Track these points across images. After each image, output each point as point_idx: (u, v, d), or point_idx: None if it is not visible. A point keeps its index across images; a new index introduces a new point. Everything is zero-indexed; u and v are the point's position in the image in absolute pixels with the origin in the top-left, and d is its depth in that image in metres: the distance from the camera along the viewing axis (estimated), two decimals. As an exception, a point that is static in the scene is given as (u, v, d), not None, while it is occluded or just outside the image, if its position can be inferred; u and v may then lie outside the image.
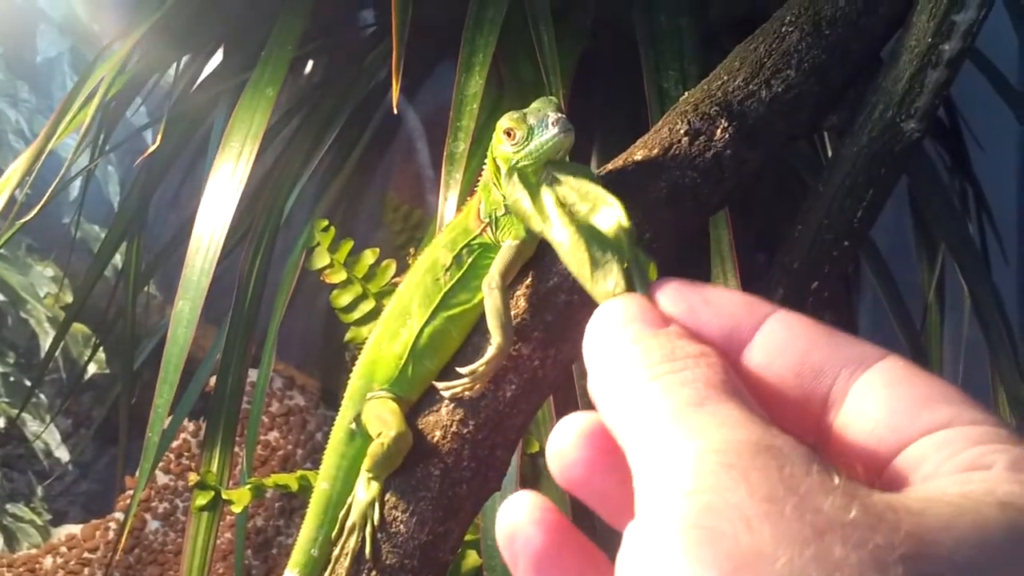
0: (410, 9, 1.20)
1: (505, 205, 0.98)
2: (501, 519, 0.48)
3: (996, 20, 1.17)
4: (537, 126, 0.93)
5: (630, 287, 0.50)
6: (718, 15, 1.63)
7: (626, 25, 1.39)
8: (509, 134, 0.95)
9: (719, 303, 0.47)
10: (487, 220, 1.00)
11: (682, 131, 0.99)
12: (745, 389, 0.42)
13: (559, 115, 0.93)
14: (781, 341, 0.45)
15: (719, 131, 0.99)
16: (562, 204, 0.59)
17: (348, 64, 1.81)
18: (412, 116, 2.02)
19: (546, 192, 0.59)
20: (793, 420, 0.43)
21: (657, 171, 0.98)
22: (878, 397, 0.42)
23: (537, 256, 0.98)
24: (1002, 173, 2.03)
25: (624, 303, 0.47)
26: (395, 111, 1.21)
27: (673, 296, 0.47)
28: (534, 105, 0.97)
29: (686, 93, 1.06)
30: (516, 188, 0.82)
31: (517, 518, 0.48)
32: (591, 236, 0.54)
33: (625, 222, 0.55)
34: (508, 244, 0.97)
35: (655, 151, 0.99)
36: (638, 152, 1.00)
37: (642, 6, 1.38)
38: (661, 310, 0.47)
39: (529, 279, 0.98)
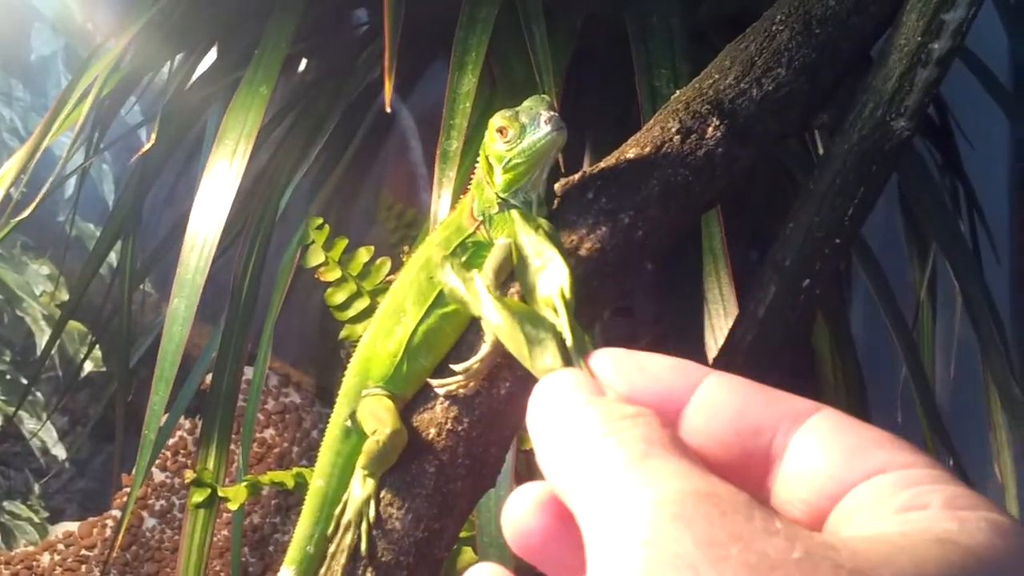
0: (403, 8, 1.21)
1: (499, 202, 0.98)
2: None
3: (986, 19, 1.18)
4: (530, 124, 0.94)
5: (567, 361, 0.52)
6: (709, 14, 1.64)
7: (618, 24, 1.39)
8: (502, 132, 0.95)
9: (653, 370, 0.48)
10: (481, 218, 1.00)
11: (674, 129, 1.00)
12: (684, 443, 0.43)
13: (552, 113, 0.94)
14: (717, 402, 0.46)
15: (711, 129, 1.00)
16: (492, 292, 0.60)
17: (341, 63, 1.81)
18: (405, 114, 2.02)
19: (477, 277, 0.61)
20: (736, 478, 0.43)
21: (649, 169, 0.98)
22: (816, 448, 0.44)
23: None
24: (993, 171, 2.04)
25: (563, 377, 0.49)
26: (388, 109, 1.22)
27: (609, 366, 0.49)
28: (527, 103, 0.97)
29: (678, 91, 1.06)
30: (449, 277, 0.84)
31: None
32: (524, 316, 0.55)
33: (568, 292, 0.56)
34: (501, 242, 0.98)
35: (647, 149, 0.99)
36: (630, 150, 1.00)
37: (634, 5, 1.39)
38: (598, 380, 0.48)
39: (524, 278, 0.98)
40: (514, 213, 0.88)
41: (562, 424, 0.46)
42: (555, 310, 0.55)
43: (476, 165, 1.01)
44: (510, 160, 0.95)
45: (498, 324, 0.56)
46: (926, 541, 0.38)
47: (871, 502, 0.41)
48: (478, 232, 1.01)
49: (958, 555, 0.37)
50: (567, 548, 0.47)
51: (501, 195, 0.98)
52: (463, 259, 1.01)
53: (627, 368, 0.48)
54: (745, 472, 0.45)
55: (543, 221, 0.95)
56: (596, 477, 0.42)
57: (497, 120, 0.96)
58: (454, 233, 1.02)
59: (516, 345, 0.54)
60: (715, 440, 0.46)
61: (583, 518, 0.42)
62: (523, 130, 0.94)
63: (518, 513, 0.49)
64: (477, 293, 0.60)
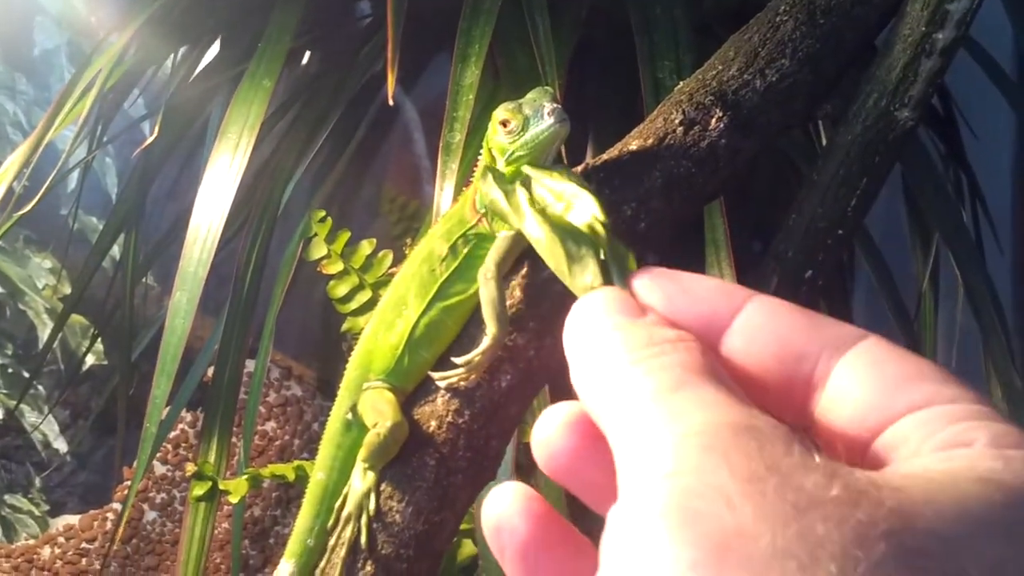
0: (405, 0, 1.21)
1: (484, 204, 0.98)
2: (487, 510, 0.48)
3: (990, 8, 1.17)
4: (533, 116, 0.94)
5: (608, 280, 0.51)
6: (712, 5, 1.63)
7: (621, 15, 1.39)
8: (505, 124, 0.95)
9: (697, 290, 0.47)
10: (483, 210, 1.00)
11: (677, 121, 0.99)
12: (725, 372, 0.42)
13: (555, 105, 0.94)
14: (760, 326, 0.45)
15: (714, 121, 1.00)
16: (535, 203, 0.59)
17: (344, 55, 1.80)
18: (408, 107, 2.02)
19: (520, 190, 0.60)
20: (776, 404, 0.43)
21: (652, 161, 0.98)
22: (859, 378, 0.42)
23: (531, 249, 0.98)
24: (996, 161, 2.03)
25: (602, 296, 0.48)
26: (391, 102, 1.22)
27: (650, 286, 0.48)
28: (530, 95, 0.97)
29: (681, 83, 1.06)
30: (491, 188, 0.82)
31: (502, 509, 0.48)
32: (566, 232, 0.55)
33: (600, 215, 0.55)
34: (504, 234, 0.97)
35: (650, 141, 0.99)
36: (633, 142, 1.00)
37: (637, -4, 1.38)
38: (639, 300, 0.47)
39: (525, 269, 0.98)
40: (526, 168, 0.87)
41: (595, 346, 0.45)
42: (595, 235, 0.55)
43: (479, 157, 1.01)
44: (513, 152, 0.95)
45: (538, 238, 0.56)
46: (968, 479, 0.37)
47: (914, 437, 0.40)
48: (480, 224, 1.00)
49: (1001, 494, 0.36)
50: (598, 470, 0.46)
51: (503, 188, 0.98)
52: (465, 251, 1.01)
53: (669, 288, 0.47)
54: (786, 399, 0.44)
55: (553, 165, 0.95)
56: (625, 405, 0.41)
57: (500, 112, 0.96)
58: (456, 225, 1.02)
59: (556, 261, 0.54)
60: (757, 365, 0.45)
61: (614, 444, 0.41)
62: (526, 122, 0.94)
63: (548, 433, 0.48)
64: (519, 205, 0.60)
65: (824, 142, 1.51)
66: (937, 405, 0.41)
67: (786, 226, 1.10)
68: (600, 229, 0.54)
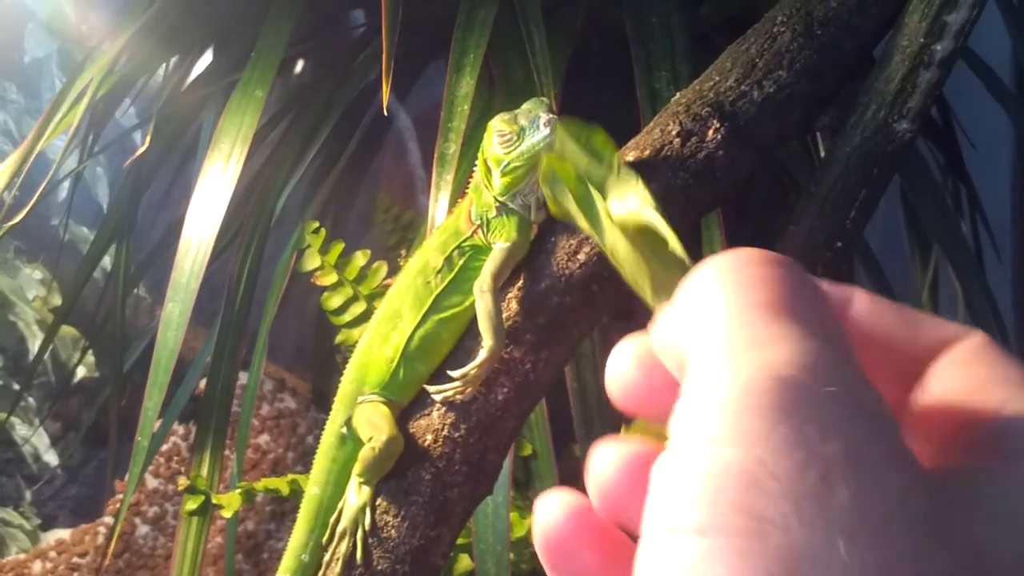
0: (400, 9, 1.20)
1: (497, 206, 0.97)
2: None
3: (989, 20, 1.17)
4: (528, 127, 0.93)
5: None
6: (709, 15, 1.63)
7: (617, 24, 1.38)
8: (500, 135, 0.94)
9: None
10: (478, 222, 0.99)
11: (674, 132, 0.99)
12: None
13: (550, 116, 0.93)
14: (870, 316, 0.42)
15: (711, 132, 0.99)
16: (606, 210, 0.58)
17: (338, 64, 1.80)
18: (403, 117, 2.02)
19: (592, 195, 0.58)
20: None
21: (649, 172, 0.97)
22: (955, 377, 0.40)
23: (529, 258, 0.98)
24: (995, 173, 2.03)
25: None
26: (385, 112, 1.21)
27: None
28: (525, 106, 0.96)
29: (678, 94, 1.05)
30: (558, 188, 0.80)
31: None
32: (646, 245, 0.52)
33: (669, 234, 0.53)
34: (499, 246, 0.97)
35: (647, 152, 0.98)
36: (630, 153, 0.99)
37: (633, 6, 1.38)
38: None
39: (521, 281, 0.97)
40: (561, 132, 0.83)
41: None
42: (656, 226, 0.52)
43: (474, 168, 1.01)
44: (508, 163, 0.95)
45: (614, 251, 0.53)
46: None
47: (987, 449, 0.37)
48: (476, 236, 1.00)
49: None
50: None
51: (499, 198, 0.97)
52: (460, 263, 1.00)
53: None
54: (889, 391, 0.39)
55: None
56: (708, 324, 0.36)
57: (496, 123, 0.95)
58: (451, 237, 1.01)
59: (637, 278, 0.51)
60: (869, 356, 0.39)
61: (690, 365, 0.35)
62: (522, 133, 0.94)
63: (622, 368, 0.43)
64: (596, 216, 0.57)
65: (822, 154, 1.51)
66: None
67: (784, 238, 1.09)
68: (679, 250, 0.52)
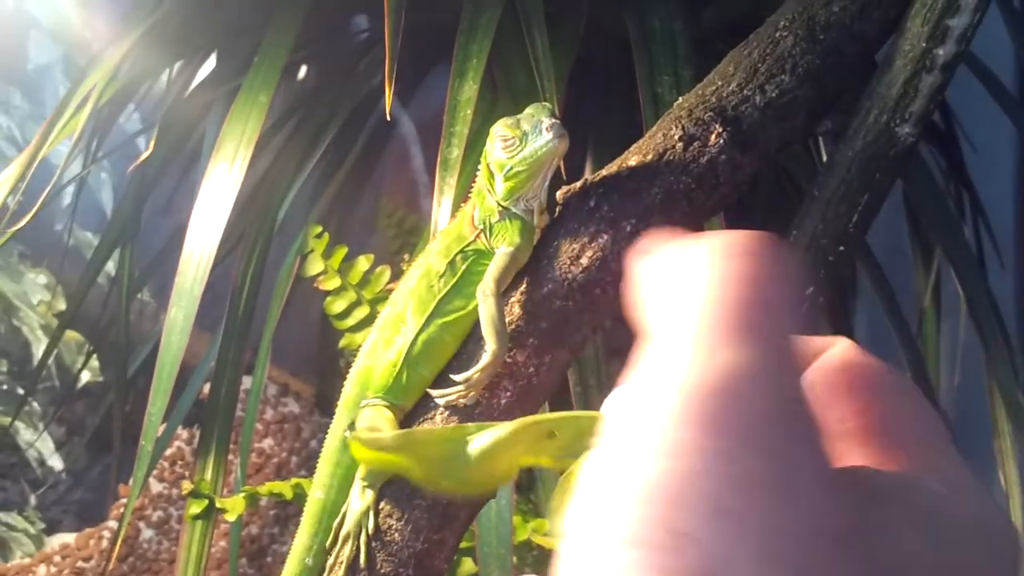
0: (403, 14, 1.20)
1: (500, 210, 0.98)
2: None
3: (991, 24, 1.17)
4: (531, 132, 0.94)
5: None
6: (712, 19, 1.63)
7: (620, 29, 1.39)
8: (503, 140, 0.95)
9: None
10: (481, 226, 1.00)
11: (676, 136, 0.99)
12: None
13: (553, 120, 0.93)
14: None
15: (713, 136, 0.99)
16: None
17: (341, 69, 1.80)
18: (406, 122, 2.02)
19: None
20: None
21: (651, 176, 0.97)
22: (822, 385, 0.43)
23: (532, 263, 0.98)
24: (998, 177, 2.03)
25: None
26: (388, 117, 1.21)
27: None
28: (528, 111, 0.97)
29: (680, 98, 1.05)
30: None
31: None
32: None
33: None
34: (502, 251, 0.97)
35: (649, 156, 0.98)
36: (632, 157, 0.99)
37: (636, 11, 1.38)
38: None
39: (524, 286, 0.97)
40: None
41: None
42: None
43: (477, 173, 1.01)
44: (511, 168, 0.95)
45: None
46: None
47: None
48: (479, 240, 1.00)
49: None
50: None
51: (502, 203, 0.98)
52: (463, 268, 1.00)
53: None
54: None
55: None
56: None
57: (498, 127, 0.95)
58: (454, 241, 1.02)
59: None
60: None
61: (650, 344, 0.37)
62: (524, 137, 0.94)
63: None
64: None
65: (824, 158, 1.51)
66: None
67: (787, 243, 1.09)
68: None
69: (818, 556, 0.31)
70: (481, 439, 0.51)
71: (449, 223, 1.07)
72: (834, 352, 0.43)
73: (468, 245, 1.00)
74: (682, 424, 0.33)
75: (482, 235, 1.00)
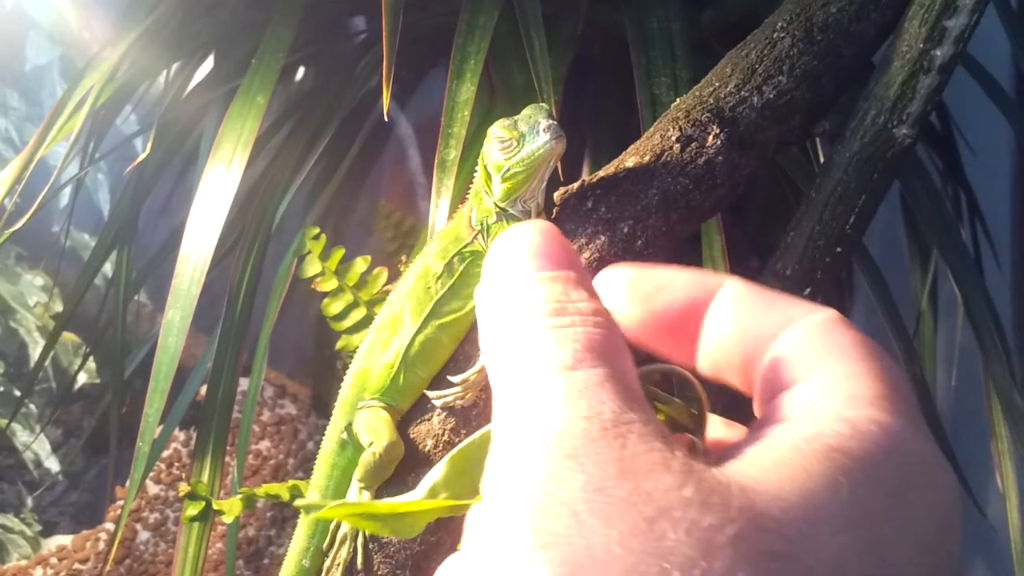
0: (401, 16, 1.20)
1: (497, 212, 0.98)
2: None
3: (988, 25, 1.17)
4: (529, 133, 0.94)
5: None
6: (709, 21, 1.63)
7: (618, 31, 1.39)
8: (500, 141, 0.95)
9: (673, 286, 0.50)
10: (478, 228, 0.99)
11: (674, 137, 0.99)
12: (626, 354, 0.43)
13: (551, 122, 0.93)
14: (725, 311, 0.48)
15: (711, 137, 0.99)
16: None
17: (339, 71, 1.80)
18: (403, 123, 2.02)
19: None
20: (745, 389, 0.46)
21: (649, 178, 0.97)
22: (787, 344, 0.46)
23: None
24: (995, 178, 2.03)
25: (536, 230, 0.48)
26: (386, 118, 1.21)
27: (624, 288, 0.50)
28: (525, 112, 0.97)
29: (678, 99, 1.05)
30: None
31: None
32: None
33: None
34: None
35: (647, 158, 0.98)
36: (630, 159, 0.99)
37: (634, 12, 1.38)
38: (568, 245, 0.48)
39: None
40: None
41: (511, 292, 0.45)
42: None
43: (475, 174, 1.01)
44: (509, 169, 0.95)
45: None
46: (817, 456, 0.38)
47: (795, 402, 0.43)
48: (475, 242, 1.00)
49: (844, 473, 0.38)
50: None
51: (500, 204, 0.98)
52: (460, 269, 1.00)
53: (645, 288, 0.49)
54: (750, 381, 0.47)
55: None
56: (518, 369, 0.42)
57: (496, 129, 0.95)
58: (452, 243, 1.01)
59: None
60: (723, 350, 0.47)
61: (499, 401, 0.42)
62: (522, 139, 0.94)
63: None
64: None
65: (822, 159, 1.51)
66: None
67: (784, 244, 1.09)
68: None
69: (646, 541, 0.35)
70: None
71: (446, 224, 1.07)
72: (818, 316, 0.46)
73: (465, 247, 1.00)
74: (548, 460, 0.38)
75: (479, 236, 0.99)
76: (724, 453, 0.40)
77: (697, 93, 1.04)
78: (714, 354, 0.48)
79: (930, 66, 1.05)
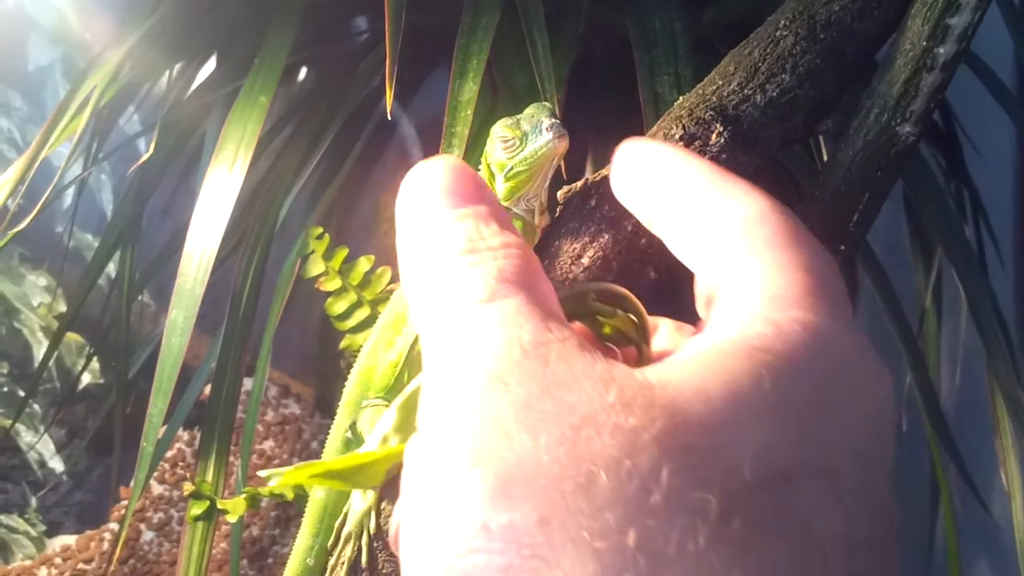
0: (403, 15, 1.20)
1: None
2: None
3: (991, 23, 1.17)
4: (531, 131, 0.94)
5: None
6: (712, 19, 1.63)
7: (620, 30, 1.39)
8: (503, 140, 0.95)
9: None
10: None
11: (677, 136, 0.99)
12: (541, 278, 0.45)
13: (553, 120, 0.93)
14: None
15: (714, 136, 0.99)
16: None
17: (341, 71, 1.80)
18: (406, 122, 2.02)
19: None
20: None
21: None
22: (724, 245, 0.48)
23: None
24: (998, 176, 2.03)
25: (444, 167, 0.49)
26: (389, 118, 1.21)
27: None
28: (528, 111, 0.96)
29: (681, 98, 1.05)
30: None
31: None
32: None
33: None
34: None
35: (650, 156, 0.98)
36: (633, 157, 0.99)
37: (636, 12, 1.38)
38: (477, 179, 0.49)
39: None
40: None
41: (424, 232, 0.47)
42: None
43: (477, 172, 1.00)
44: (512, 168, 0.95)
45: None
46: (739, 354, 0.39)
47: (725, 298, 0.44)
48: None
49: (767, 369, 0.39)
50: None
51: (503, 203, 0.97)
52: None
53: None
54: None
55: None
56: (438, 308, 0.43)
57: (498, 128, 0.95)
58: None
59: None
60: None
61: (426, 340, 0.43)
62: (525, 137, 0.94)
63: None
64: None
65: (825, 157, 1.51)
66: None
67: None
68: None
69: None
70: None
71: None
72: (744, 210, 0.48)
73: None
74: (454, 411, 0.40)
75: None
76: (661, 359, 0.42)
77: (700, 91, 1.04)
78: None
79: (933, 64, 1.04)
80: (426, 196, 0.48)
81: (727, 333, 0.41)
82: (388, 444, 0.56)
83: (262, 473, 0.60)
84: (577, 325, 0.57)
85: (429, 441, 0.40)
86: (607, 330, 0.56)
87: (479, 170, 1.00)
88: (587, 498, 0.35)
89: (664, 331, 0.56)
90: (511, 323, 0.41)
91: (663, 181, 0.52)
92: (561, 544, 0.35)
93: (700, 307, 0.48)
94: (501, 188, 0.97)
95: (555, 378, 0.38)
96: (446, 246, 0.45)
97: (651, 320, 0.57)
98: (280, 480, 0.57)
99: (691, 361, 0.40)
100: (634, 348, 0.53)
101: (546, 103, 0.99)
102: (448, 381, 0.40)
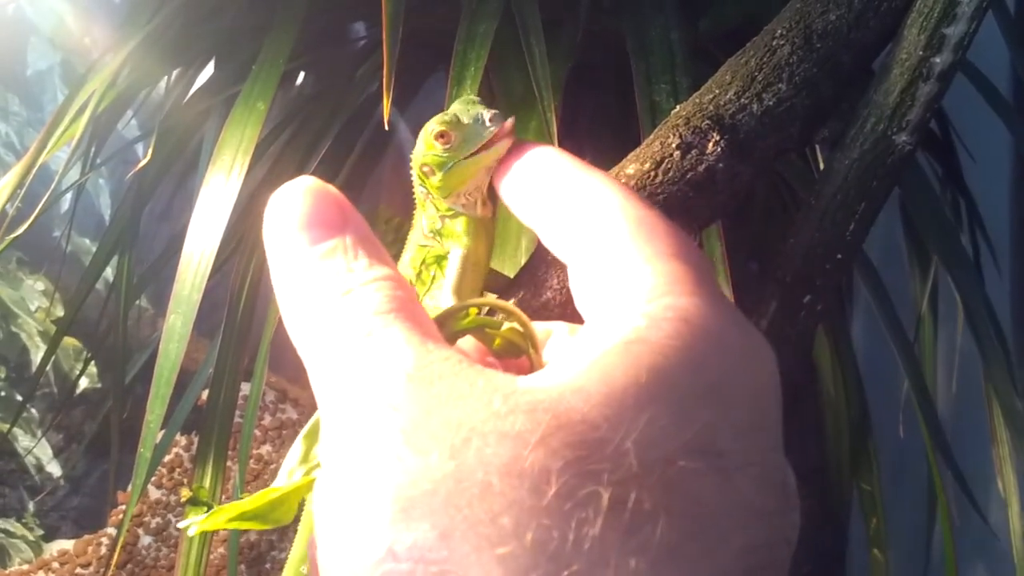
0: (401, 22, 1.20)
1: (441, 214, 0.94)
2: None
3: (987, 33, 1.17)
4: (473, 124, 0.89)
5: None
6: (708, 28, 1.63)
7: (617, 38, 1.39)
8: (443, 137, 0.90)
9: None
10: (431, 233, 0.97)
11: (674, 145, 0.99)
12: (415, 302, 0.46)
13: (493, 111, 0.89)
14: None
15: (711, 145, 0.99)
16: None
17: (339, 77, 1.80)
18: (403, 128, 2.02)
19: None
20: None
21: (649, 185, 0.98)
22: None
23: (529, 271, 0.97)
24: (994, 184, 2.03)
25: (303, 194, 0.52)
26: (386, 124, 1.21)
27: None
28: (458, 106, 0.92)
29: (678, 106, 1.05)
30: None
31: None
32: None
33: None
34: (454, 253, 0.94)
35: (647, 165, 0.98)
36: (629, 166, 0.99)
37: (633, 20, 1.38)
38: (337, 198, 0.51)
39: (522, 294, 0.97)
40: None
41: (296, 271, 0.49)
42: None
43: (412, 179, 0.97)
44: (453, 164, 0.91)
45: None
46: (617, 350, 0.40)
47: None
48: (435, 245, 0.98)
49: (644, 359, 0.40)
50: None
51: (443, 203, 0.94)
52: (431, 275, 0.99)
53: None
54: None
55: None
56: (329, 348, 0.44)
57: (434, 126, 0.90)
58: (417, 251, 1.00)
59: None
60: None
61: (316, 382, 0.44)
62: (467, 132, 0.90)
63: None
64: None
65: (822, 166, 1.51)
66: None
67: (784, 251, 1.09)
68: None
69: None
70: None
71: (409, 233, 1.05)
72: (605, 202, 0.52)
73: (429, 252, 0.99)
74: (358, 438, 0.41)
75: (436, 239, 0.97)
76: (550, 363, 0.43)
77: (697, 100, 1.04)
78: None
79: (929, 73, 1.05)
80: (288, 232, 0.50)
81: (604, 329, 0.42)
82: (293, 478, 0.58)
83: (180, 525, 0.62)
84: (470, 341, 0.59)
85: (330, 473, 0.41)
86: (498, 342, 0.59)
87: (412, 177, 0.96)
88: (483, 506, 0.36)
89: (558, 336, 0.58)
90: (392, 352, 0.42)
91: (533, 178, 0.55)
92: (465, 555, 0.36)
93: (578, 303, 0.49)
94: (440, 188, 0.92)
95: (440, 397, 0.39)
96: (318, 289, 0.46)
97: (544, 326, 0.58)
98: (198, 528, 0.58)
99: (572, 362, 0.41)
100: (526, 358, 0.55)
101: (472, 96, 0.95)
102: (339, 414, 0.41)
